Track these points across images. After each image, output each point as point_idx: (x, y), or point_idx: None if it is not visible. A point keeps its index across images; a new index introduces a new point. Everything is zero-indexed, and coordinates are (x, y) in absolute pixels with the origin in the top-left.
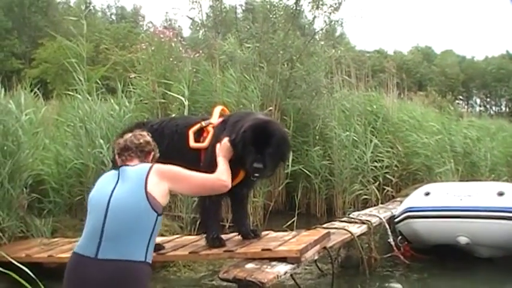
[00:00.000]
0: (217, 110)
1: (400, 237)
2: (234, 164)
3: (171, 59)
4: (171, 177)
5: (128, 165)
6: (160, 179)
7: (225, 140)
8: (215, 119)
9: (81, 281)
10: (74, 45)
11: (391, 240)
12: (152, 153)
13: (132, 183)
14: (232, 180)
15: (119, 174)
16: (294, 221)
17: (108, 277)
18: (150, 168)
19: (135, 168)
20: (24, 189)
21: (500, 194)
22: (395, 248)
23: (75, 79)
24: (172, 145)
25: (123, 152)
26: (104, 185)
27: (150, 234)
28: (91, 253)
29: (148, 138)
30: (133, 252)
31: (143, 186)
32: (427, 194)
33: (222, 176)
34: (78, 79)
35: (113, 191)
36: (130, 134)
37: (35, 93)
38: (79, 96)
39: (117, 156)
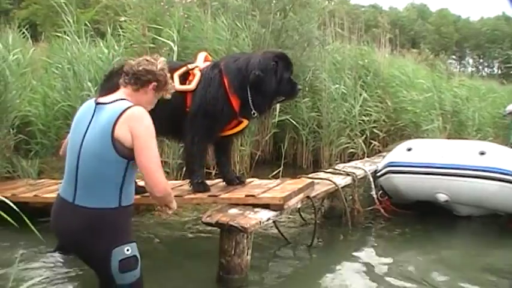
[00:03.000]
0: (201, 55)
1: (381, 191)
2: (242, 112)
3: (162, 4)
4: (135, 140)
5: (104, 102)
6: (128, 130)
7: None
8: (200, 63)
9: (62, 224)
10: None
11: (373, 193)
12: (153, 83)
13: (101, 129)
14: (234, 128)
15: (94, 111)
16: (280, 171)
17: (84, 224)
18: (122, 113)
19: (109, 109)
20: (11, 130)
21: (482, 153)
22: (377, 202)
23: (64, 21)
24: None
25: (123, 76)
26: (79, 122)
27: (121, 181)
28: (69, 197)
29: (154, 67)
30: (106, 200)
31: (110, 133)
32: (409, 149)
33: (165, 189)
34: (67, 20)
35: (85, 133)
36: (144, 58)
37: (23, 34)
38: (68, 38)
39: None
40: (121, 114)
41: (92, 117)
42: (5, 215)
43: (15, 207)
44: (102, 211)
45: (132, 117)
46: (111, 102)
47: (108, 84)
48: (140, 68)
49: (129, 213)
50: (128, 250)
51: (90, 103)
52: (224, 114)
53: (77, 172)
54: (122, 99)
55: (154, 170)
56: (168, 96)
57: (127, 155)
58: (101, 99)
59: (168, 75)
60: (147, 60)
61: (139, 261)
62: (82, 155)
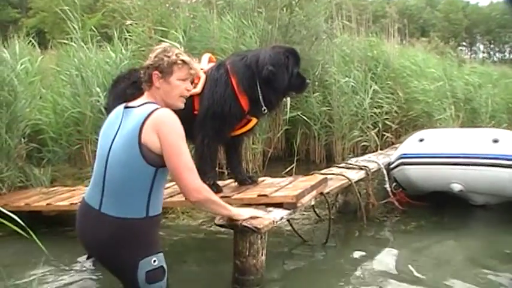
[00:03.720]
0: (205, 57)
1: (395, 183)
2: (251, 110)
3: (167, 5)
4: (163, 144)
5: (132, 106)
6: (155, 135)
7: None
8: (205, 65)
9: (88, 232)
10: None
11: (387, 186)
12: (155, 73)
13: (128, 134)
14: (243, 127)
15: (122, 116)
16: (293, 167)
17: (109, 233)
18: (147, 117)
19: (136, 114)
20: (22, 139)
21: (495, 141)
22: (391, 194)
23: (70, 27)
24: None
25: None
26: (108, 128)
27: (149, 190)
28: (96, 204)
29: (149, 59)
30: (132, 209)
31: (137, 139)
32: (421, 140)
33: (200, 192)
34: (72, 27)
35: (113, 139)
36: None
37: (31, 42)
38: (74, 44)
39: None
40: (146, 118)
41: (121, 122)
42: (11, 225)
43: (19, 220)
44: (128, 221)
45: (159, 121)
46: (139, 106)
47: (116, 89)
48: (144, 66)
49: (157, 223)
50: (154, 261)
51: (119, 108)
52: (233, 114)
53: (104, 179)
54: (148, 102)
55: (187, 175)
56: (194, 71)
57: (155, 161)
58: (130, 103)
59: (172, 55)
60: (154, 52)
61: (166, 272)
62: (110, 162)
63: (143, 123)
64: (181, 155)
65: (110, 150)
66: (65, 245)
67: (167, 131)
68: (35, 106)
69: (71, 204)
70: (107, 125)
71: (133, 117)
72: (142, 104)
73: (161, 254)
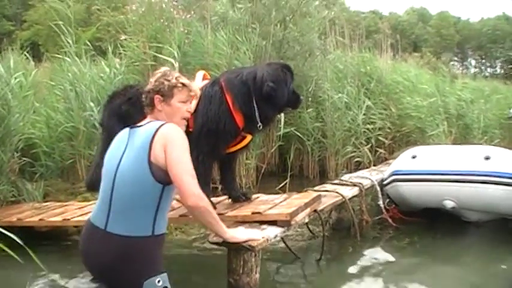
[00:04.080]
0: (199, 74)
1: (388, 200)
2: (246, 127)
3: (161, 20)
4: (168, 154)
5: (138, 126)
6: (162, 149)
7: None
8: (199, 82)
9: (92, 252)
10: (62, 6)
11: (380, 202)
12: (156, 96)
13: (136, 152)
14: (238, 144)
15: (129, 136)
16: (286, 183)
17: (114, 253)
18: (155, 133)
19: (142, 131)
20: (15, 153)
21: (487, 158)
22: (384, 211)
23: (63, 41)
24: None
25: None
26: (115, 149)
27: (156, 207)
28: (101, 224)
29: (149, 83)
30: (138, 227)
31: (146, 156)
32: (414, 157)
33: (198, 198)
34: (66, 41)
35: (121, 159)
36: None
37: (25, 56)
38: (68, 59)
39: None
40: (155, 134)
41: (127, 141)
42: (7, 249)
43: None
44: (134, 239)
45: (165, 135)
46: (144, 124)
47: (111, 105)
48: (144, 91)
49: (161, 242)
50: (159, 281)
51: (125, 130)
52: (227, 131)
53: (111, 197)
54: (152, 121)
55: (188, 180)
56: (194, 93)
57: (162, 178)
58: (137, 124)
59: (172, 78)
60: (151, 80)
61: None
62: (117, 179)
63: (152, 139)
64: (184, 163)
65: (117, 169)
66: (60, 260)
67: (173, 144)
68: (28, 120)
69: (64, 220)
70: (113, 146)
71: (140, 135)
72: (148, 123)
73: (165, 274)
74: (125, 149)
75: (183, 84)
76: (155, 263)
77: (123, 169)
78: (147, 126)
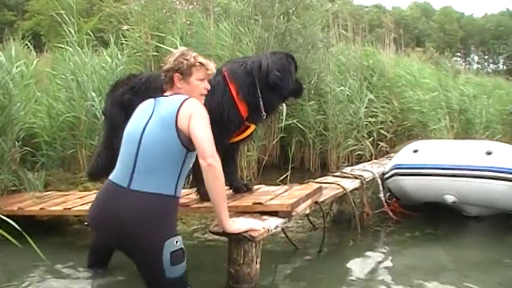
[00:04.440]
0: None
1: (389, 193)
2: (250, 116)
3: (164, 11)
4: (192, 120)
5: (163, 95)
6: (188, 117)
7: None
8: None
9: (111, 208)
10: None
11: (381, 195)
12: (175, 75)
13: (164, 119)
14: (242, 134)
15: (154, 105)
16: (287, 175)
17: (139, 208)
18: (182, 103)
19: (169, 100)
20: (17, 142)
21: (488, 153)
22: (385, 204)
23: (66, 31)
24: None
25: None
26: (139, 117)
27: (180, 169)
28: (124, 183)
29: (168, 62)
30: (164, 185)
31: (174, 121)
32: (416, 151)
33: (214, 159)
34: (68, 31)
35: (146, 125)
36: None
37: (27, 45)
38: (70, 48)
39: None
40: (182, 104)
41: (154, 108)
42: (3, 232)
43: (15, 224)
44: (159, 197)
45: (191, 106)
46: (169, 95)
47: (114, 94)
48: (163, 69)
49: (178, 205)
50: (177, 242)
51: (149, 100)
52: (231, 121)
53: (136, 158)
54: (178, 93)
55: (209, 142)
56: (211, 71)
57: (187, 144)
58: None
59: (190, 58)
60: (170, 58)
61: (185, 254)
62: (144, 141)
63: (179, 108)
64: (206, 130)
65: (143, 131)
66: (60, 249)
67: (197, 114)
68: (29, 109)
69: (65, 209)
70: (137, 114)
71: (167, 103)
72: (173, 94)
73: (180, 236)
74: (150, 115)
75: (201, 63)
76: (173, 224)
77: (150, 132)
78: (173, 97)
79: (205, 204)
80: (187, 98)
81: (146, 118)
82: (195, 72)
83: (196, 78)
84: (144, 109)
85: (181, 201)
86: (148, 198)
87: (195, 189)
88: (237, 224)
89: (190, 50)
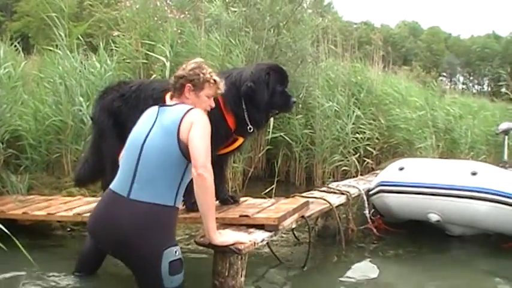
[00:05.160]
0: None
1: (373, 210)
2: (238, 129)
3: (155, 19)
4: (192, 130)
5: (167, 105)
6: (189, 124)
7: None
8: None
9: (111, 216)
10: None
11: (366, 212)
12: (187, 85)
13: (167, 128)
14: (229, 146)
15: (158, 113)
16: (273, 188)
17: (138, 218)
18: (185, 113)
19: (173, 110)
20: (1, 144)
21: (473, 173)
22: (369, 221)
23: (56, 34)
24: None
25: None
26: (142, 125)
27: (180, 180)
28: (124, 192)
29: (182, 71)
30: (163, 196)
31: (176, 132)
32: (401, 169)
33: (206, 169)
34: (58, 34)
35: (148, 133)
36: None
37: (15, 47)
38: (59, 52)
39: None
40: (185, 114)
41: (157, 116)
42: None
43: (2, 227)
44: (158, 207)
45: (193, 116)
46: (174, 105)
47: (103, 100)
48: (173, 77)
49: (177, 215)
50: (176, 252)
51: (153, 108)
52: (219, 133)
53: (136, 167)
54: (182, 103)
55: (204, 152)
56: (220, 91)
57: (187, 154)
58: (165, 104)
59: (206, 73)
60: (181, 68)
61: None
62: (145, 150)
63: (182, 118)
64: (203, 141)
65: (145, 139)
66: (43, 254)
67: (197, 124)
68: (15, 112)
69: (48, 214)
70: (141, 121)
71: (170, 113)
72: (177, 104)
73: (178, 247)
74: (153, 124)
75: (215, 81)
76: (173, 234)
77: (151, 142)
78: (178, 107)
79: (192, 214)
80: (191, 108)
81: (149, 126)
82: (207, 88)
83: (206, 94)
84: (147, 117)
85: None
86: (147, 208)
87: (183, 199)
88: (224, 237)
89: (205, 64)
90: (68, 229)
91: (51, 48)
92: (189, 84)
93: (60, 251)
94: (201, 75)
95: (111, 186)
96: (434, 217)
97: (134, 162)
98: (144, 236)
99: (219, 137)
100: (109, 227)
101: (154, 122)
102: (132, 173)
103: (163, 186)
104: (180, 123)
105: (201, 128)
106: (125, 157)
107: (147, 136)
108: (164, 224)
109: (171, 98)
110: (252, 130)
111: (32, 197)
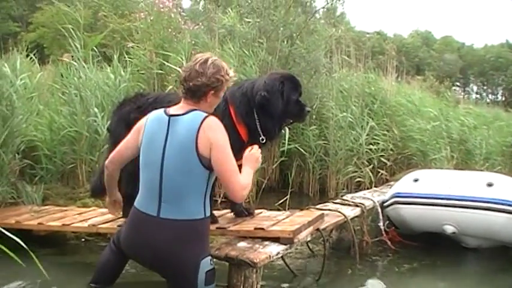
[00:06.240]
0: None
1: (387, 221)
2: (250, 140)
3: (169, 30)
4: (214, 149)
5: (177, 114)
6: (208, 141)
7: (254, 150)
8: None
9: (145, 237)
10: (72, 10)
11: (381, 224)
12: (210, 92)
13: (183, 144)
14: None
15: (168, 125)
16: (286, 199)
17: (173, 234)
18: (200, 124)
19: (185, 121)
20: (17, 154)
21: (489, 184)
22: (384, 233)
23: (71, 45)
24: None
25: (180, 86)
26: (154, 135)
27: (205, 191)
28: (153, 212)
29: (204, 78)
30: (193, 210)
31: (194, 146)
32: (416, 180)
33: (245, 189)
34: (74, 46)
35: (164, 149)
36: (192, 66)
37: (30, 58)
38: (75, 63)
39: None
40: (200, 126)
41: (168, 129)
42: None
43: (17, 239)
44: (190, 222)
45: (211, 128)
46: (185, 113)
47: (121, 111)
48: (191, 84)
49: (209, 222)
50: (211, 261)
51: (160, 116)
52: (232, 145)
53: (160, 187)
54: (194, 109)
55: (235, 178)
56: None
57: (209, 165)
58: (172, 111)
59: (225, 74)
60: (196, 71)
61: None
62: (166, 170)
63: (198, 132)
64: (229, 160)
65: (163, 158)
66: (58, 265)
67: (218, 137)
68: (31, 122)
69: (63, 225)
70: (150, 133)
71: (183, 124)
72: (188, 112)
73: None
74: (166, 136)
75: (231, 78)
76: (208, 243)
77: (170, 160)
78: (189, 117)
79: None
80: (204, 119)
81: (162, 140)
82: (225, 87)
83: (223, 90)
84: (155, 129)
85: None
86: (180, 225)
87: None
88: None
89: (217, 60)
90: (83, 239)
91: (67, 59)
92: (212, 91)
93: (75, 262)
94: (221, 78)
95: (137, 205)
96: (450, 229)
97: (157, 181)
98: (182, 250)
99: (232, 149)
100: (145, 247)
101: (167, 134)
102: (158, 193)
103: (191, 202)
104: (197, 138)
105: (222, 152)
106: (146, 175)
107: (164, 152)
108: (199, 235)
109: (184, 103)
110: (264, 141)
111: (47, 207)
